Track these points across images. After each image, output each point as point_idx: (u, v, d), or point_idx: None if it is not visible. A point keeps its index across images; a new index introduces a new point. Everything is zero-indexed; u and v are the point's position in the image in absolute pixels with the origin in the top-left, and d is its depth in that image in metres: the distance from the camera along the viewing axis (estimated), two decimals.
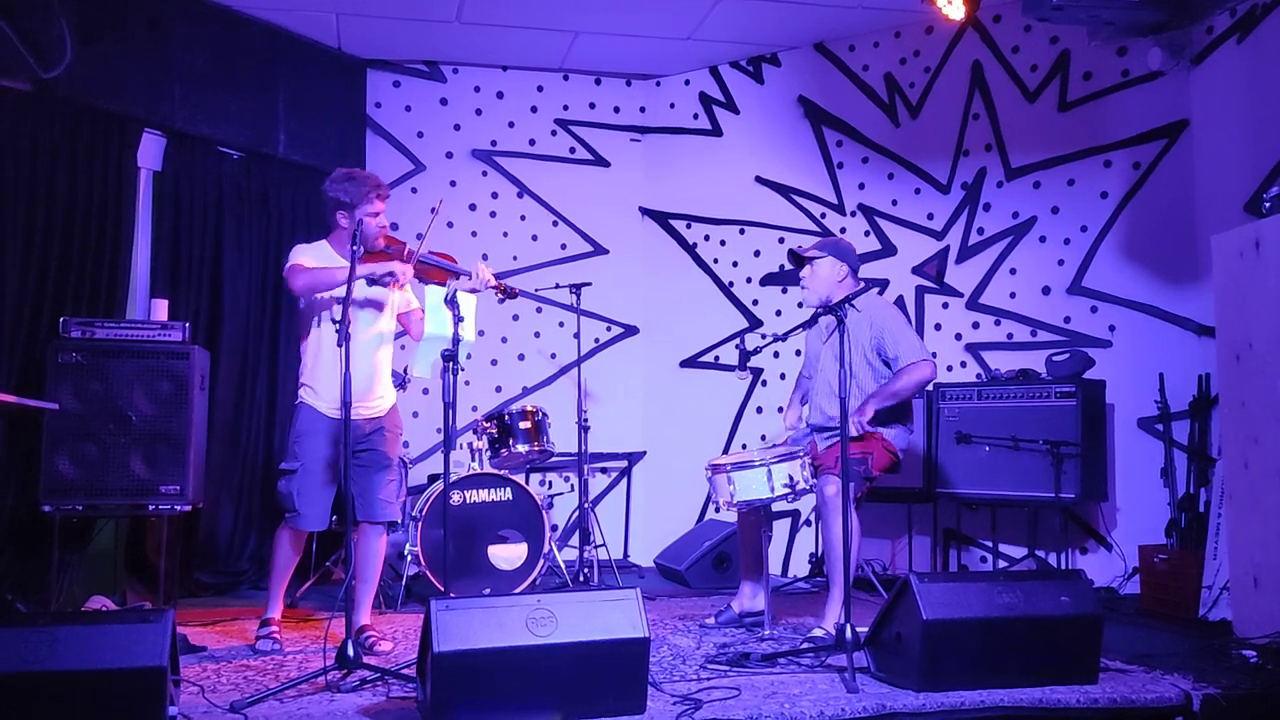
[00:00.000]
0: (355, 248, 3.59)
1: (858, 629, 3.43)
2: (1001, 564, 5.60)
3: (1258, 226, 4.13)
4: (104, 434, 4.55)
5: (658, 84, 6.91)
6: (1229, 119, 5.09)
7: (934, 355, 5.80)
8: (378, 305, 3.98)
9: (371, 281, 3.86)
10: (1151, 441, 5.32)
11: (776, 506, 4.39)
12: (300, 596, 5.11)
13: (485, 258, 6.55)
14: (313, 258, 3.94)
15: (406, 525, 5.26)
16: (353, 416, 3.88)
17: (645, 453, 6.77)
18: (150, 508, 4.64)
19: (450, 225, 6.55)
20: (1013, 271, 5.80)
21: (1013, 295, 5.79)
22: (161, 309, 5.05)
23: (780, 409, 4.73)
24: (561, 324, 6.62)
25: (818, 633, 4.00)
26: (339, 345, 3.43)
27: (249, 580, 5.60)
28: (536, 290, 6.55)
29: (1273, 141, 4.79)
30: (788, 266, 4.53)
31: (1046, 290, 5.70)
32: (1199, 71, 5.27)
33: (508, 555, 5.00)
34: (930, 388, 5.42)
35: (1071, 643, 3.29)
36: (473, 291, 3.94)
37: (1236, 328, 4.23)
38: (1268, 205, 4.13)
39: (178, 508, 4.68)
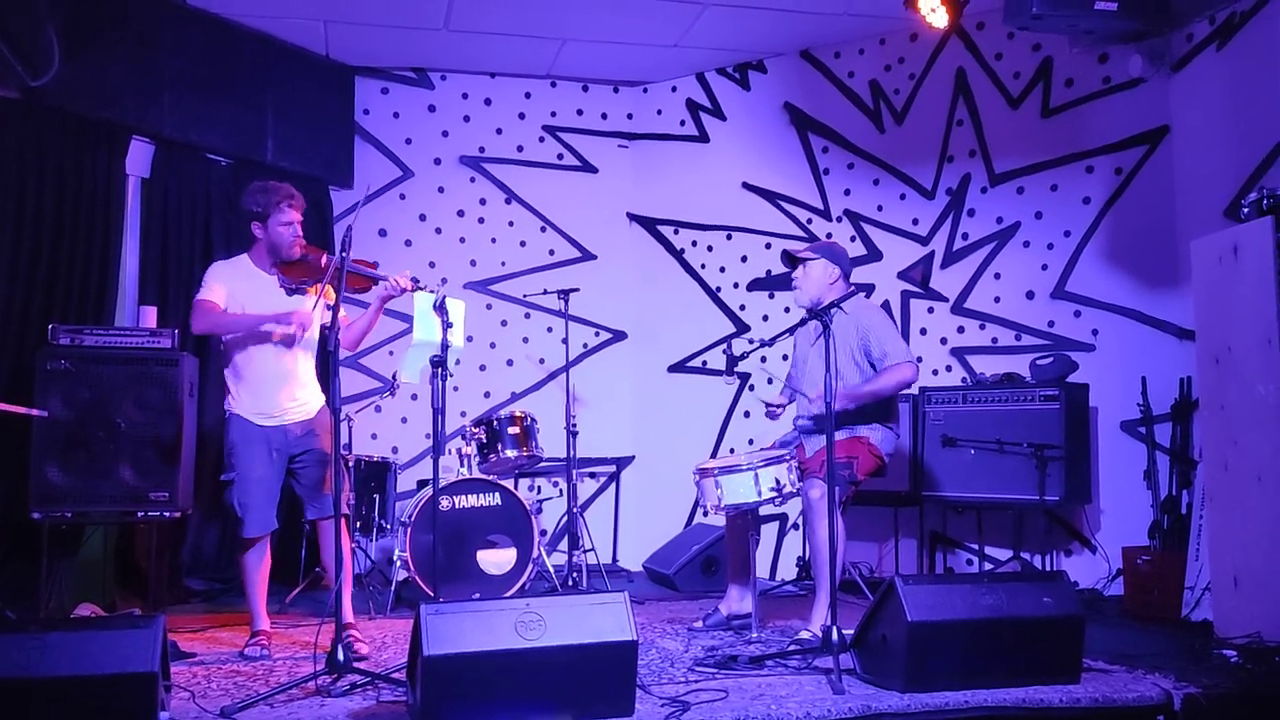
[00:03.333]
0: (344, 254, 3.61)
1: (844, 631, 3.47)
2: (987, 566, 5.64)
3: (1236, 232, 4.19)
4: (93, 441, 4.55)
5: (645, 90, 6.95)
6: (1209, 125, 5.15)
7: (920, 360, 5.88)
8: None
9: (291, 291, 3.94)
10: (1134, 444, 5.38)
11: (764, 510, 4.42)
12: (289, 602, 5.12)
13: (473, 263, 6.60)
14: (226, 278, 3.98)
15: (396, 530, 5.28)
16: (280, 422, 3.96)
17: (634, 457, 6.79)
18: (139, 515, 4.65)
19: (438, 231, 6.57)
20: (997, 276, 5.85)
21: (997, 300, 5.85)
22: (150, 316, 5.06)
23: None
24: (550, 329, 6.65)
25: (805, 635, 4.03)
26: (330, 349, 3.47)
27: (237, 587, 5.57)
28: (525, 296, 6.58)
29: (1252, 147, 4.86)
30: (777, 270, 4.57)
31: (1030, 295, 5.75)
32: (1179, 78, 5.33)
33: (497, 560, 5.01)
34: (915, 391, 5.47)
35: (1055, 643, 3.33)
36: (389, 298, 3.98)
37: (1216, 332, 4.28)
38: (1246, 211, 4.18)
39: (167, 514, 4.69)
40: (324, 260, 3.92)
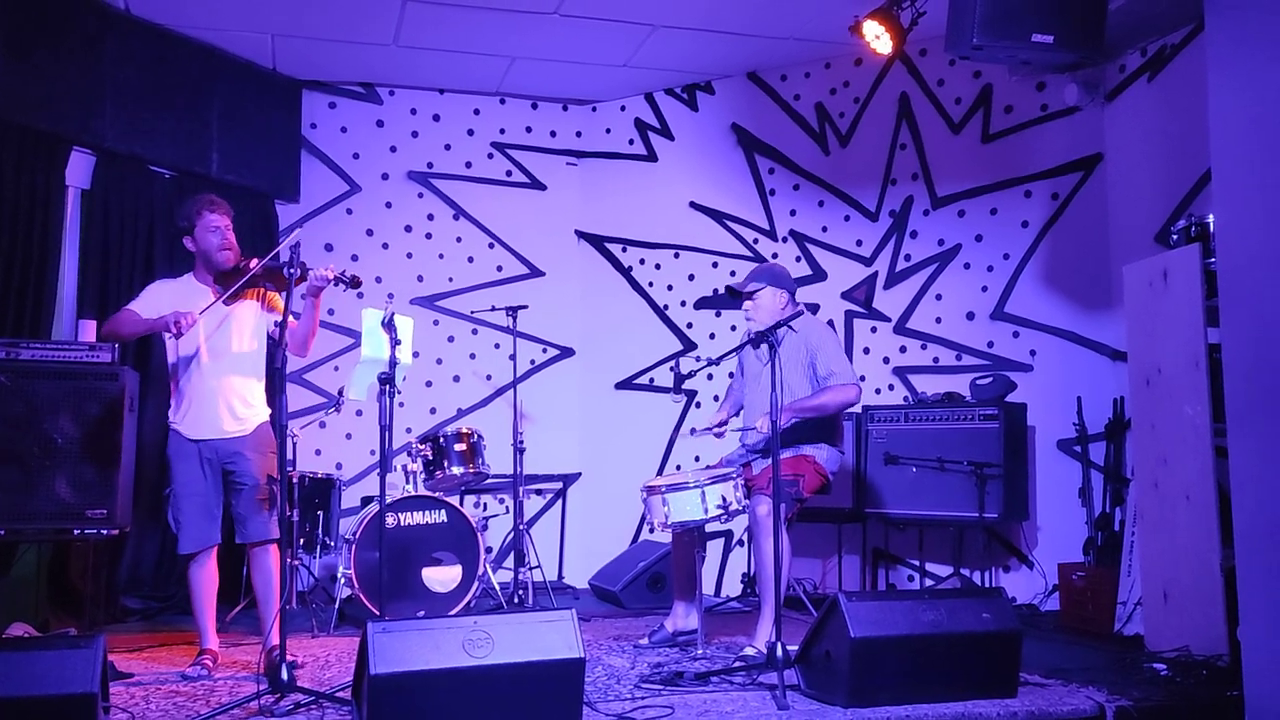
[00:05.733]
0: (291, 271, 3.60)
1: (788, 647, 3.51)
2: (928, 582, 5.73)
3: (1166, 258, 4.34)
4: (28, 457, 4.44)
5: (594, 109, 7.00)
6: (1140, 154, 5.32)
7: (863, 378, 5.97)
8: (233, 325, 4.02)
9: (229, 301, 3.93)
10: (1070, 462, 5.51)
11: (710, 527, 4.46)
12: (229, 621, 5.04)
13: (421, 279, 6.58)
14: (164, 295, 3.99)
15: (340, 548, 5.23)
16: (211, 437, 3.95)
17: (580, 474, 6.80)
18: (76, 532, 4.53)
19: (385, 246, 6.54)
20: (938, 297, 5.97)
21: (938, 320, 5.97)
22: (90, 330, 4.97)
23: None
24: (497, 346, 6.65)
25: (750, 651, 4.07)
26: (277, 365, 3.46)
27: (176, 605, 5.50)
28: (472, 312, 6.57)
29: (1181, 176, 5.03)
30: (723, 294, 4.62)
31: (971, 315, 5.88)
32: (1112, 107, 5.51)
33: (442, 578, 4.99)
34: (859, 410, 5.56)
35: (993, 658, 3.41)
36: (318, 290, 3.94)
37: (1146, 354, 4.42)
38: (1175, 237, 4.33)
39: (104, 532, 4.57)
40: (254, 264, 3.91)
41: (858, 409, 5.42)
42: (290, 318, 4.08)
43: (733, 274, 6.30)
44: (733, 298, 4.50)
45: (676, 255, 6.69)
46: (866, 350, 6.15)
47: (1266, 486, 3.28)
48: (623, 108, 6.92)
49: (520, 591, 5.54)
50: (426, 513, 5.03)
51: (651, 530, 4.44)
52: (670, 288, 6.69)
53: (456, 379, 6.65)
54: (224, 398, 3.96)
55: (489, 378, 6.69)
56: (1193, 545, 4.06)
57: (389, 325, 3.70)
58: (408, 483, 5.22)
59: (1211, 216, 4.10)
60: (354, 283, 3.94)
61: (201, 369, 3.97)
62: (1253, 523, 3.35)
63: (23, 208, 4.96)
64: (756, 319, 4.43)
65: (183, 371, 3.99)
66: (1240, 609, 3.42)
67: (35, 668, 2.61)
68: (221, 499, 4.01)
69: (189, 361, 3.98)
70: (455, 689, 2.86)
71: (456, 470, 5.28)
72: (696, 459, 6.39)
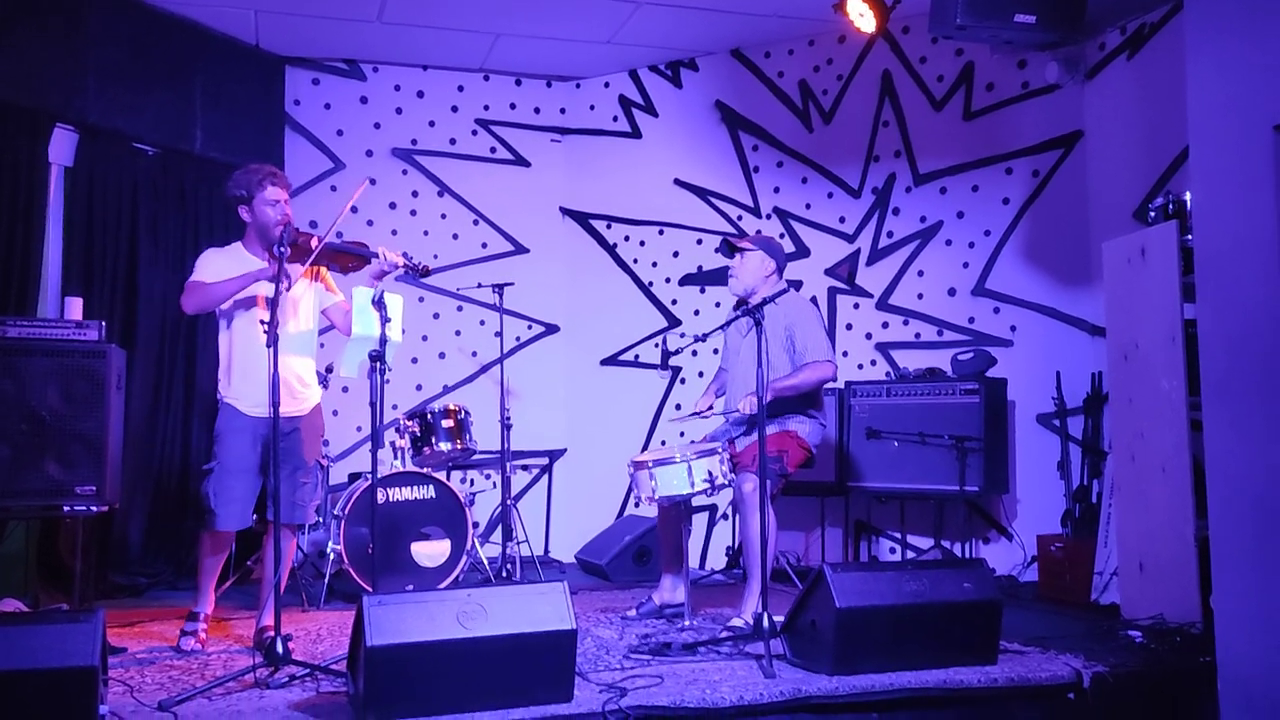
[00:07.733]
0: (282, 249, 3.61)
1: (774, 618, 3.58)
2: (910, 554, 5.83)
3: (1144, 234, 4.41)
4: (16, 434, 4.44)
5: (578, 86, 7.00)
6: (1119, 131, 5.39)
7: (845, 354, 6.05)
8: (291, 304, 3.98)
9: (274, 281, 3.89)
10: (1049, 436, 5.60)
11: (695, 501, 4.52)
12: (220, 595, 5.07)
13: (406, 256, 6.55)
14: (219, 264, 3.93)
15: (328, 524, 5.27)
16: (269, 414, 3.91)
17: (566, 450, 6.85)
18: (65, 509, 4.55)
19: (370, 224, 6.54)
20: (920, 273, 6.03)
21: (920, 296, 6.03)
22: (76, 307, 4.95)
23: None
24: (483, 322, 6.67)
25: (736, 622, 4.13)
26: (268, 346, 3.46)
27: (165, 581, 5.54)
28: (458, 289, 6.59)
29: (1159, 153, 5.10)
30: (709, 265, 4.67)
31: (952, 291, 5.94)
32: (1092, 85, 5.56)
33: (431, 552, 5.04)
34: (841, 385, 5.62)
35: (973, 627, 3.49)
36: (382, 274, 3.96)
37: (1125, 329, 4.50)
38: (1153, 215, 4.40)
39: (93, 509, 4.59)
40: (313, 241, 3.86)
41: (839, 384, 5.49)
42: (340, 297, 4.09)
43: (717, 251, 6.34)
44: (726, 252, 4.56)
45: (661, 232, 6.72)
46: (849, 326, 6.21)
47: (1240, 459, 3.36)
48: (607, 84, 6.92)
49: (508, 566, 5.60)
50: (415, 488, 5.06)
51: (638, 504, 4.50)
52: (655, 264, 6.73)
53: (442, 355, 6.68)
54: (283, 376, 3.81)
55: (475, 354, 6.72)
56: (1168, 516, 4.15)
57: (379, 303, 3.72)
58: (396, 459, 5.25)
59: (1189, 194, 4.17)
60: (423, 271, 3.94)
61: (260, 347, 3.86)
62: (1226, 494, 3.43)
63: (5, 185, 4.94)
64: (738, 277, 4.50)
65: (242, 348, 3.91)
66: (1213, 578, 3.50)
67: (36, 641, 2.64)
68: (263, 479, 3.98)
69: (248, 338, 3.90)
70: (450, 660, 2.91)
71: (444, 446, 5.31)
72: (682, 434, 6.44)
